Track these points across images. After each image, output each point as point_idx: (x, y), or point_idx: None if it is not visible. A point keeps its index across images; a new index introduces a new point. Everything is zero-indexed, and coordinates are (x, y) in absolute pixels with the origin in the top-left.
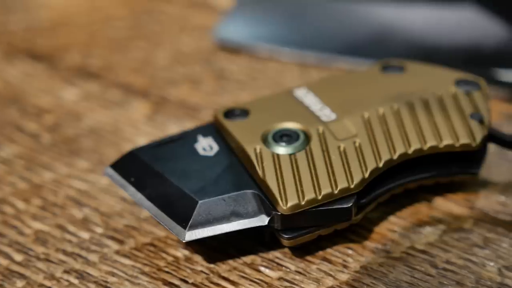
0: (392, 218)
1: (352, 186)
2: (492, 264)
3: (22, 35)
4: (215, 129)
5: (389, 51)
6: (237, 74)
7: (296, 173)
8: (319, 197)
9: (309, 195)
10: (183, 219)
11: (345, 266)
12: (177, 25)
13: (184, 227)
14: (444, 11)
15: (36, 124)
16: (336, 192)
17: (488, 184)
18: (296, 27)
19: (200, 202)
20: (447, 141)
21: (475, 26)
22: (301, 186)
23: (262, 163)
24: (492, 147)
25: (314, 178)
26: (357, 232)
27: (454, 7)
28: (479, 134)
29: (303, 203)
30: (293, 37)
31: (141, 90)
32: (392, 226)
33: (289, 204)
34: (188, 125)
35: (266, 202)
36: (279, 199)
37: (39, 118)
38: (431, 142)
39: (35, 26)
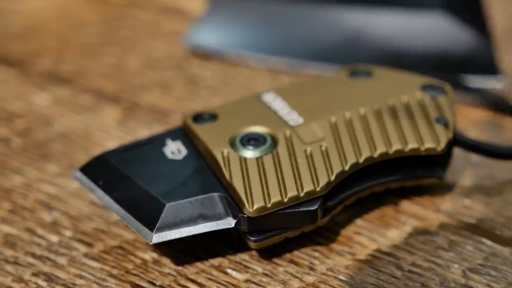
0: (358, 221)
1: (318, 189)
2: (456, 266)
3: None
4: (183, 133)
5: (359, 57)
6: (208, 80)
7: (262, 176)
8: (285, 200)
9: (275, 197)
10: (151, 222)
11: (311, 269)
12: (149, 31)
13: (151, 230)
14: (414, 18)
15: (6, 129)
16: (302, 194)
17: (454, 188)
18: (267, 34)
19: (167, 205)
20: (412, 145)
21: (444, 33)
22: (268, 189)
23: (229, 166)
24: (457, 151)
25: (281, 181)
26: (323, 235)
27: (423, 14)
28: (444, 138)
29: (269, 205)
30: (264, 43)
31: (113, 95)
32: (358, 229)
33: (255, 207)
34: (159, 130)
35: (233, 204)
36: (245, 201)
37: (10, 123)
38: (396, 146)
39: (6, 31)
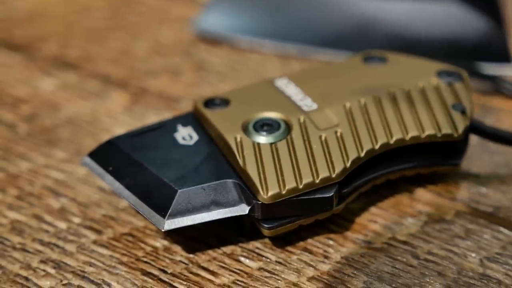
0: (373, 209)
1: (333, 176)
2: (473, 255)
3: None
4: (194, 119)
5: (370, 43)
6: (217, 65)
7: (277, 162)
8: (300, 186)
9: (290, 184)
10: (162, 208)
11: (326, 257)
12: (157, 16)
13: (163, 216)
14: (426, 4)
15: (12, 114)
16: (317, 181)
17: (469, 176)
18: (277, 19)
19: (179, 191)
20: (429, 131)
21: (456, 19)
22: (282, 175)
23: (242, 152)
24: (473, 139)
25: (295, 167)
26: (338, 223)
27: (436, 1)
28: (461, 125)
29: (284, 192)
30: (274, 28)
31: (120, 80)
32: (373, 217)
33: (270, 193)
34: (168, 116)
35: (247, 191)
36: (259, 188)
37: (16, 108)
38: (413, 132)
39: (12, 16)
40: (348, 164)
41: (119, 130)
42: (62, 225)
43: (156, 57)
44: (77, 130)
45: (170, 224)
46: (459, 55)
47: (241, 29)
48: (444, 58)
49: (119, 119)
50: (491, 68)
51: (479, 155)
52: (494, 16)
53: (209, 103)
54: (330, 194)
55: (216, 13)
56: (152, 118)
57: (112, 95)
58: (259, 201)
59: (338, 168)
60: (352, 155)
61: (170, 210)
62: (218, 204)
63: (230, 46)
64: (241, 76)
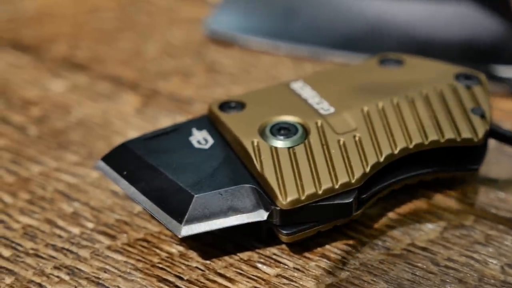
0: (391, 215)
1: (353, 181)
2: (494, 262)
3: (6, 25)
4: (209, 122)
5: (383, 46)
6: (229, 67)
7: (295, 167)
8: (320, 192)
9: (309, 189)
10: (179, 214)
11: (344, 263)
12: (166, 16)
13: (180, 222)
14: (440, 6)
15: (22, 116)
16: (336, 186)
17: (488, 180)
18: (289, 20)
19: (196, 196)
20: (448, 135)
21: (470, 21)
22: (301, 180)
23: (260, 156)
24: (491, 143)
25: (314, 172)
26: (355, 229)
27: (449, 2)
28: (481, 129)
29: (303, 198)
30: (287, 30)
31: (131, 82)
32: (391, 223)
33: (289, 199)
34: (180, 118)
35: (265, 196)
36: (278, 193)
37: (26, 110)
38: (432, 137)
39: (19, 16)
40: (367, 169)
41: (131, 132)
42: (75, 230)
43: (167, 58)
44: (89, 132)
45: (188, 230)
46: (472, 57)
47: (253, 30)
48: (457, 60)
49: (131, 121)
50: (505, 71)
51: (497, 159)
52: (508, 17)
53: (224, 106)
54: (350, 200)
55: (227, 13)
56: (164, 120)
57: (124, 97)
58: (277, 207)
59: (358, 173)
60: (372, 160)
61: (186, 216)
62: (235, 210)
63: (241, 47)
64: (253, 77)
